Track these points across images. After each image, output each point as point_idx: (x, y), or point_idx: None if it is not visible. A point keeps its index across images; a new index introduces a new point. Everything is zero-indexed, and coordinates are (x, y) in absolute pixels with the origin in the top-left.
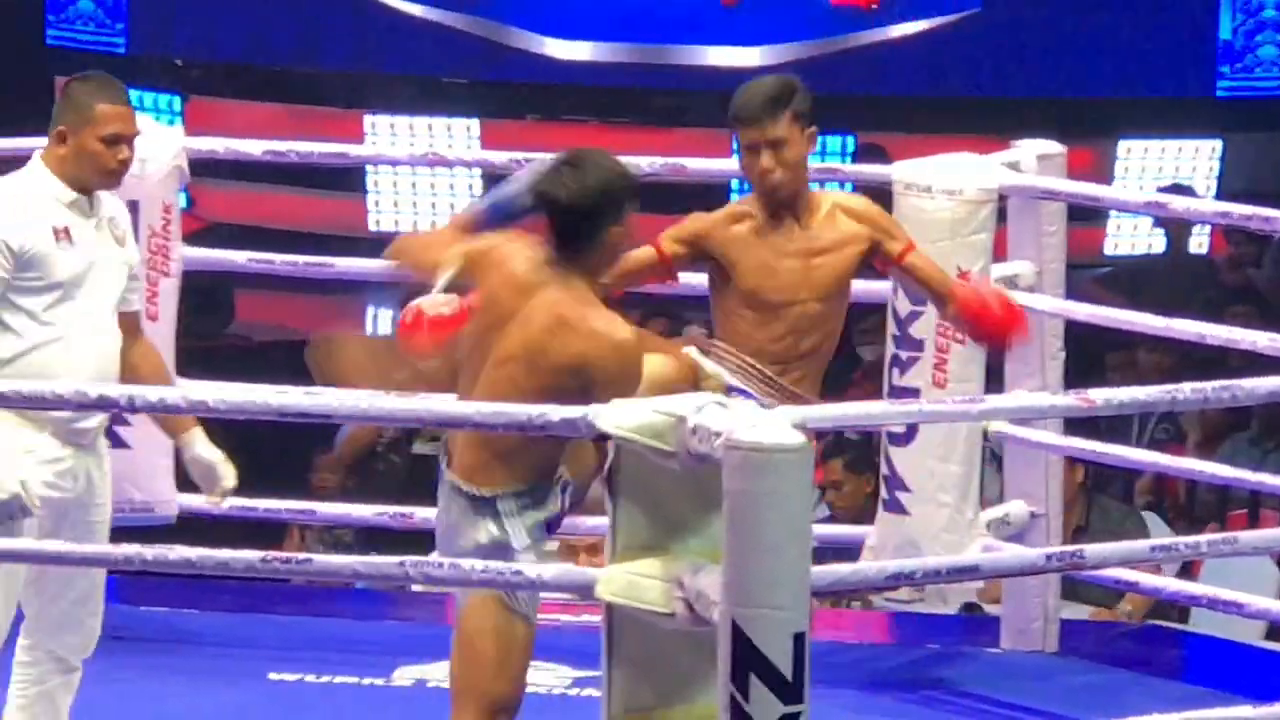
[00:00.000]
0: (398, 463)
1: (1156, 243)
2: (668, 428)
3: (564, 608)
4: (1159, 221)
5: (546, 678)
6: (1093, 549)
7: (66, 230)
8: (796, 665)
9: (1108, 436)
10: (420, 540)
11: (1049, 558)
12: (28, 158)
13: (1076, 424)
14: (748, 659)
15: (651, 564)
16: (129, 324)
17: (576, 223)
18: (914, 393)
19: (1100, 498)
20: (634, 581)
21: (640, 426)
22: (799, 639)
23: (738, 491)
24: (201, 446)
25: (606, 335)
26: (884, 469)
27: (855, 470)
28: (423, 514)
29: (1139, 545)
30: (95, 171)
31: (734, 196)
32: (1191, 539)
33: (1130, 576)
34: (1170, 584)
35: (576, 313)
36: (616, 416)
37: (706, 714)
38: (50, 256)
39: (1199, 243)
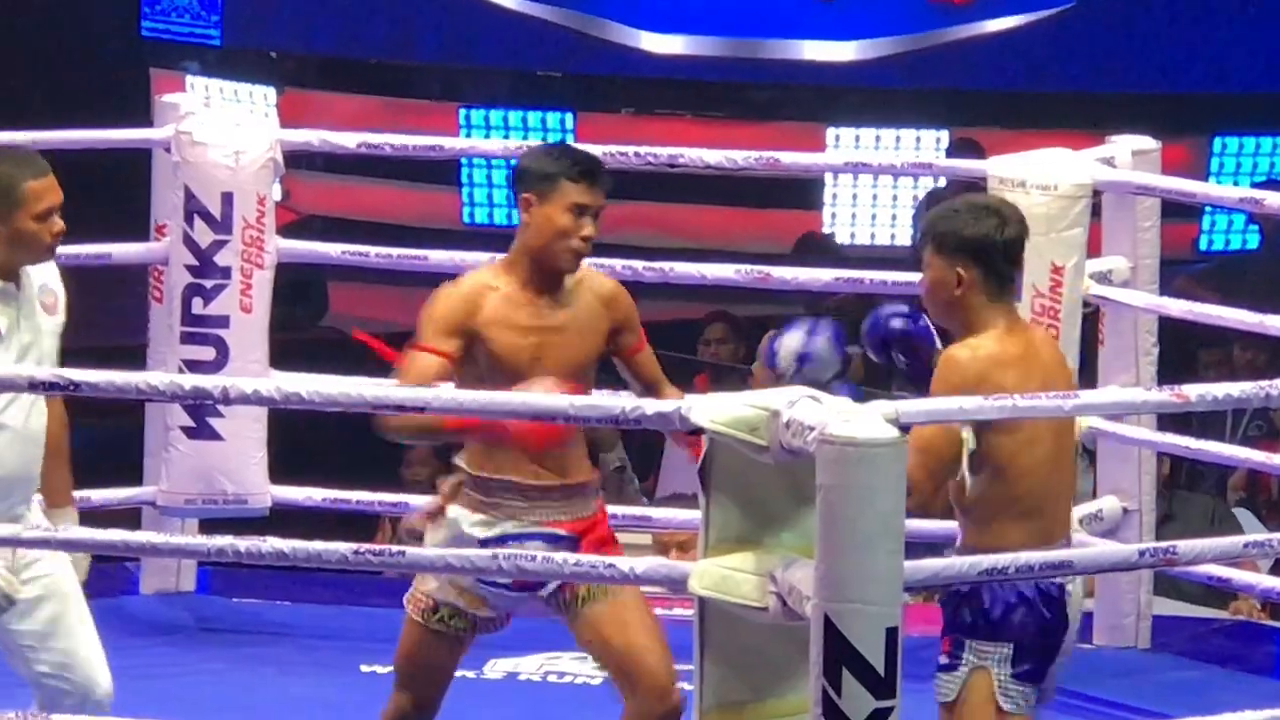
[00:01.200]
0: None
1: (1251, 239)
2: (761, 421)
3: (654, 601)
4: (1253, 218)
5: None
6: (1186, 545)
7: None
8: (889, 660)
9: (1201, 433)
10: None
11: (1141, 554)
12: (128, 151)
13: (1169, 420)
14: (840, 653)
15: (744, 558)
16: None
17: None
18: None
19: (1180, 492)
20: (727, 575)
21: (734, 420)
22: (891, 634)
23: (831, 486)
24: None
25: None
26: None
27: None
28: None
29: (1233, 541)
30: (37, 252)
31: (827, 192)
32: None
33: (1223, 573)
34: (1264, 580)
35: None
36: (710, 410)
37: (798, 708)
38: None
39: None
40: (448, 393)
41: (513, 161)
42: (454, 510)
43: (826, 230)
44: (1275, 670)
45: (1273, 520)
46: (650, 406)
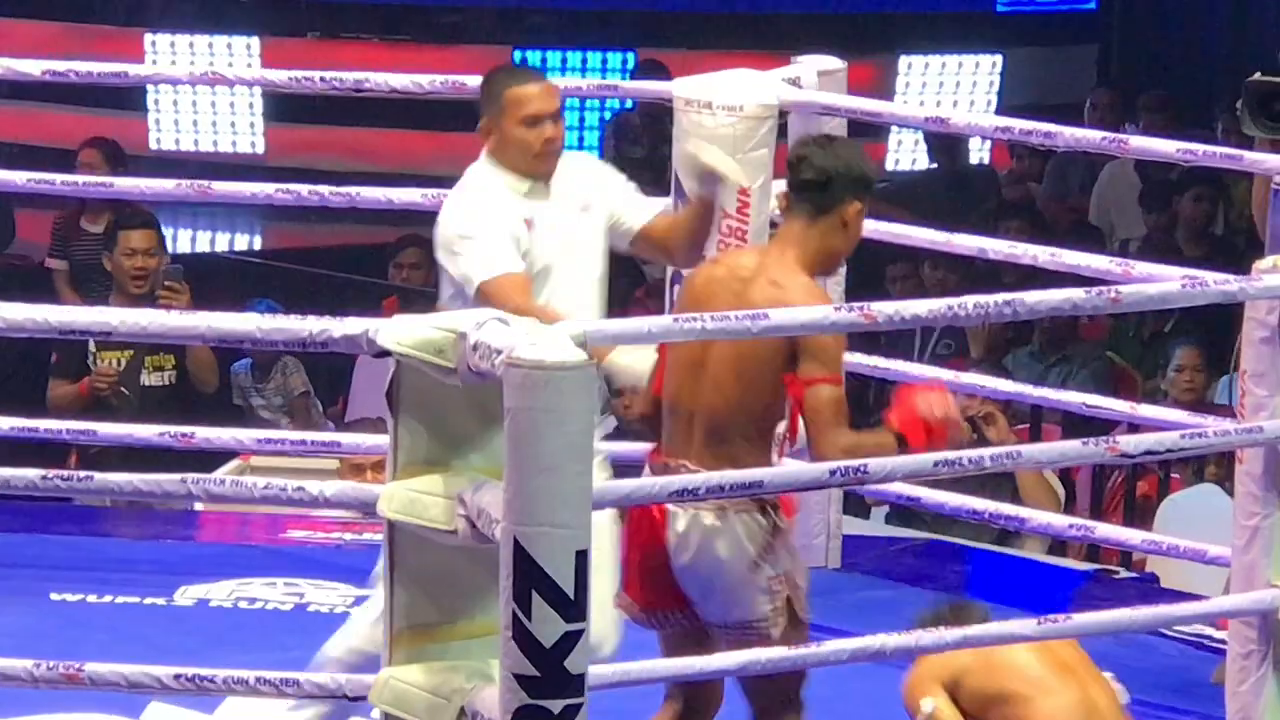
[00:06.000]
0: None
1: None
2: (448, 344)
3: (345, 526)
4: (934, 137)
5: (329, 596)
6: (876, 463)
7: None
8: (579, 583)
9: (889, 352)
10: (200, 460)
11: (833, 473)
12: None
13: (858, 339)
14: (530, 576)
15: (433, 481)
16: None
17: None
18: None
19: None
20: (415, 499)
21: (421, 343)
22: (581, 556)
23: (518, 409)
24: None
25: None
26: None
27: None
28: (203, 433)
29: (922, 460)
30: (525, 157)
31: None
32: (975, 453)
33: (914, 492)
34: (952, 500)
35: None
36: (397, 332)
37: (489, 630)
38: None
39: (978, 158)
40: (133, 317)
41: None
42: None
43: None
44: (966, 588)
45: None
46: (338, 329)
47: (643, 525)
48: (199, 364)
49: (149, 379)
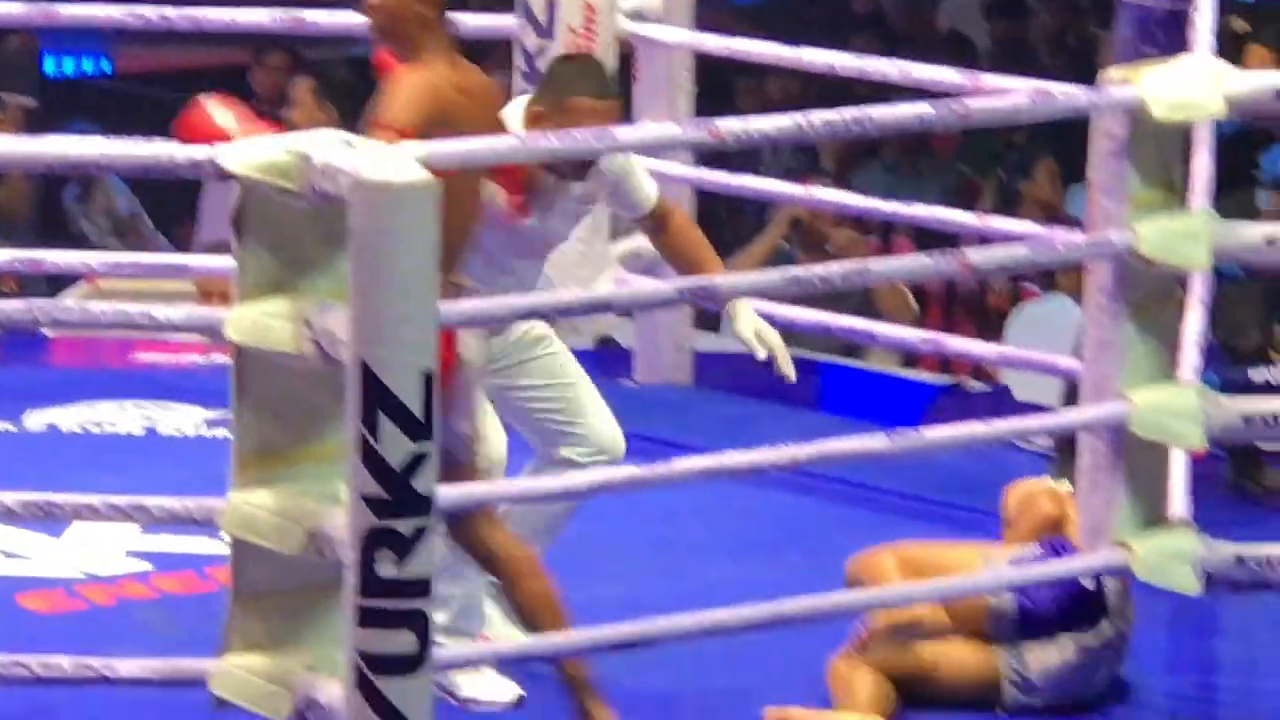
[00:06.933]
0: None
1: None
2: (293, 166)
3: (194, 348)
4: None
5: (180, 419)
6: (726, 280)
7: None
8: (426, 403)
9: (740, 167)
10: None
11: (681, 291)
12: None
13: (708, 156)
14: (376, 398)
15: (279, 304)
16: None
17: None
18: None
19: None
20: (262, 322)
21: (266, 165)
22: (427, 377)
23: (363, 230)
24: None
25: None
26: None
27: None
28: (54, 259)
29: (772, 276)
30: None
31: None
32: (825, 269)
33: (767, 309)
34: (805, 315)
35: None
36: (242, 155)
37: (337, 454)
38: None
39: None
40: None
41: None
42: None
43: None
44: (818, 403)
45: (811, 255)
46: (181, 154)
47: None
48: (15, 194)
49: None
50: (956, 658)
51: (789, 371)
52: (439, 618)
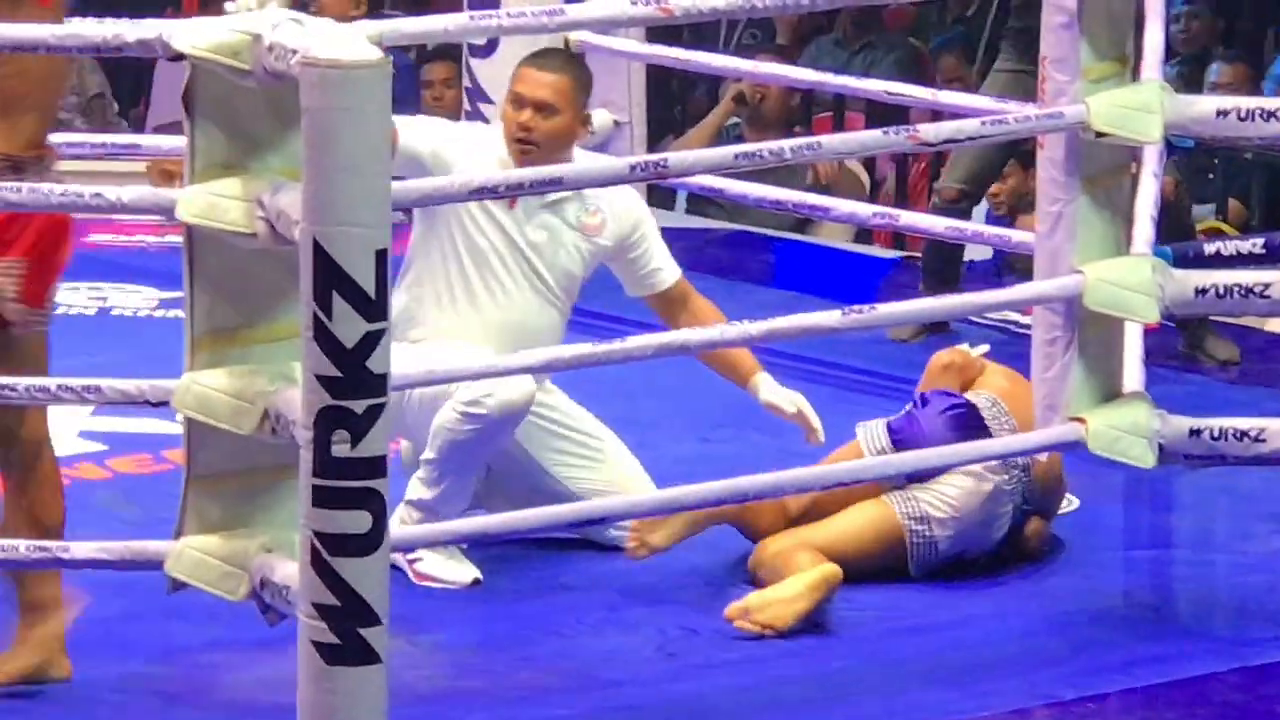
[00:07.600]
0: None
1: None
2: (244, 45)
3: (144, 229)
4: None
5: (133, 299)
6: (677, 157)
7: None
8: (379, 282)
9: (694, 44)
10: None
11: (634, 167)
12: None
13: (660, 31)
14: (330, 277)
15: (231, 184)
16: None
17: None
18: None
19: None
20: (214, 202)
21: (216, 45)
22: (381, 255)
23: (315, 109)
24: None
25: None
26: (466, 81)
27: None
28: None
29: (724, 152)
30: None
31: None
32: (776, 144)
33: (717, 184)
34: (756, 191)
35: None
36: (192, 35)
37: (290, 333)
38: None
39: None
40: None
41: None
42: None
43: None
44: (773, 279)
45: (767, 133)
46: (131, 33)
47: None
48: None
49: None
50: (853, 528)
51: (818, 430)
52: (425, 493)
